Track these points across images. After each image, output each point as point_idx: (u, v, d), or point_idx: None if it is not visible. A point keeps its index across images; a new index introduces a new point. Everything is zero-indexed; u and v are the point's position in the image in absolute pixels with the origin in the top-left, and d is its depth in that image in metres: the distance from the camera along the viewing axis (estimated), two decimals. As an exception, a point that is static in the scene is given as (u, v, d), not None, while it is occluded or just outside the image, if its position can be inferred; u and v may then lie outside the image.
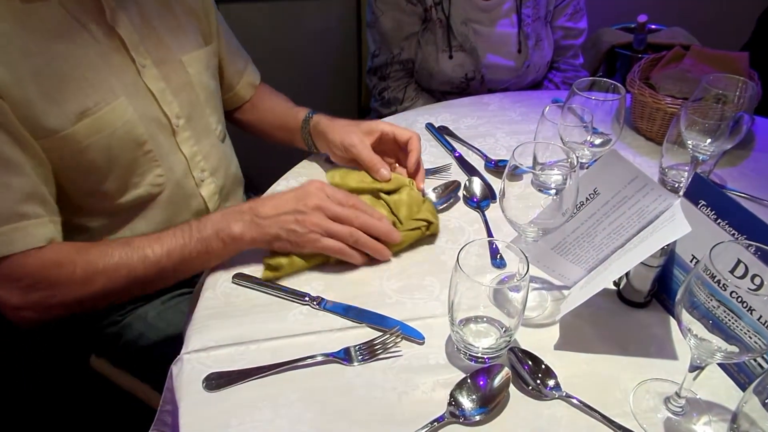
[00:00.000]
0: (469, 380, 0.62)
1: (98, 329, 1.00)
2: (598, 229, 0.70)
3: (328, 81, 1.81)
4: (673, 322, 0.72)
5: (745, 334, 0.53)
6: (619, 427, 0.59)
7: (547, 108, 0.84)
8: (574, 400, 0.62)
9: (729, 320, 0.53)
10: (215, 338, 0.70)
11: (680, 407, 0.60)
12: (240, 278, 0.77)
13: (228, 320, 0.72)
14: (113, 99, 0.80)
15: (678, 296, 0.54)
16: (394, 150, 0.95)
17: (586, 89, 0.81)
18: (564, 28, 1.39)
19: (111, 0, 0.80)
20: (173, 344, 0.95)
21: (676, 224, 0.62)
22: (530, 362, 0.64)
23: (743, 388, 0.63)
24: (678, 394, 0.60)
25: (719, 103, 0.82)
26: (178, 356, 0.69)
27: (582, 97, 0.80)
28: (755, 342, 0.52)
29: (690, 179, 0.85)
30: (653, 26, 1.54)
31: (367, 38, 1.41)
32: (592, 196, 0.68)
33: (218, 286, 0.77)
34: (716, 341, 0.53)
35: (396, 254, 0.82)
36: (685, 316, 0.54)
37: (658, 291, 0.73)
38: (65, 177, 0.80)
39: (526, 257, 0.61)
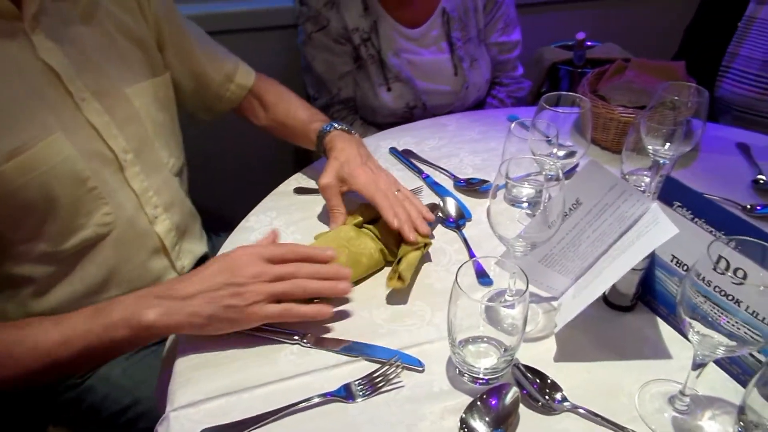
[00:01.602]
0: (479, 402, 0.61)
1: (55, 395, 0.92)
2: (582, 238, 0.72)
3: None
4: (661, 322, 0.73)
5: (738, 329, 0.54)
6: (631, 432, 0.59)
7: (513, 125, 0.86)
8: (582, 411, 0.62)
9: (721, 318, 0.54)
10: (203, 390, 0.66)
11: (686, 406, 0.61)
12: (222, 323, 0.73)
13: (214, 369, 0.68)
14: (47, 135, 0.76)
15: (678, 298, 0.56)
16: None
17: (552, 104, 0.83)
18: (498, 44, 1.42)
19: (40, 32, 0.77)
20: (144, 404, 0.89)
21: (661, 227, 0.64)
22: (538, 379, 0.63)
23: (738, 380, 0.65)
24: (682, 393, 0.61)
25: (673, 110, 0.86)
26: (164, 415, 0.64)
27: (550, 111, 0.82)
28: (748, 335, 0.54)
29: (660, 182, 0.89)
30: (589, 43, 1.63)
31: (306, 83, 1.40)
32: (575, 206, 0.70)
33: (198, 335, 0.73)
34: (717, 337, 0.55)
35: (382, 282, 0.80)
36: (686, 317, 0.55)
37: (643, 293, 0.75)
38: (2, 221, 0.74)
39: (525, 275, 0.61)
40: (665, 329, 0.72)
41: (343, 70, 1.33)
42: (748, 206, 0.93)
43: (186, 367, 0.68)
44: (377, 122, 1.38)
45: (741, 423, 0.55)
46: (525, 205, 0.74)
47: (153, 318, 0.66)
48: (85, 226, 0.82)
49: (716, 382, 0.65)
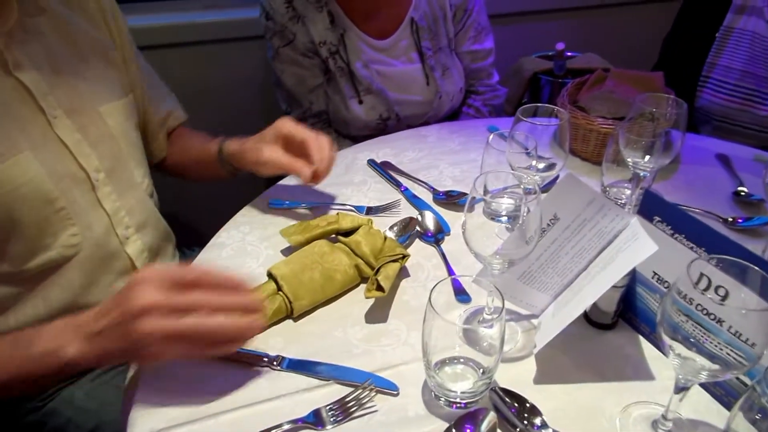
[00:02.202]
0: (453, 430, 0.58)
1: (15, 419, 0.88)
2: (560, 254, 0.70)
3: (257, 126, 1.76)
4: (643, 340, 0.71)
5: (721, 350, 0.52)
6: (612, 458, 0.57)
7: (491, 136, 0.84)
8: (562, 436, 0.59)
9: (703, 338, 0.53)
10: (165, 418, 0.62)
11: (668, 430, 0.59)
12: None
13: (178, 395, 0.65)
14: (15, 153, 0.73)
15: (658, 318, 0.54)
16: (301, 148, 0.90)
17: (530, 116, 0.82)
18: (470, 52, 1.40)
19: (14, 48, 0.75)
20: (109, 428, 0.85)
21: (641, 244, 0.62)
22: (516, 403, 0.61)
23: (721, 402, 0.63)
24: (665, 417, 0.59)
25: (652, 121, 0.85)
26: (123, 446, 0.60)
27: (527, 123, 0.80)
28: (731, 357, 0.52)
29: (639, 195, 0.87)
30: (569, 53, 1.63)
31: (278, 97, 1.37)
32: (552, 221, 0.68)
33: (163, 357, 0.69)
34: (699, 359, 0.53)
35: (357, 299, 0.77)
36: (666, 337, 0.53)
37: (624, 310, 0.73)
38: None
39: (501, 294, 0.59)
40: (647, 348, 0.70)
41: (314, 83, 1.30)
42: (730, 219, 0.92)
43: (148, 392, 0.65)
44: (351, 135, 1.36)
45: (725, 448, 0.53)
46: (504, 218, 0.72)
47: (72, 354, 0.61)
48: (50, 247, 0.79)
49: (700, 404, 0.63)
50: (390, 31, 1.29)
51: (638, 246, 0.62)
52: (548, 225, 0.68)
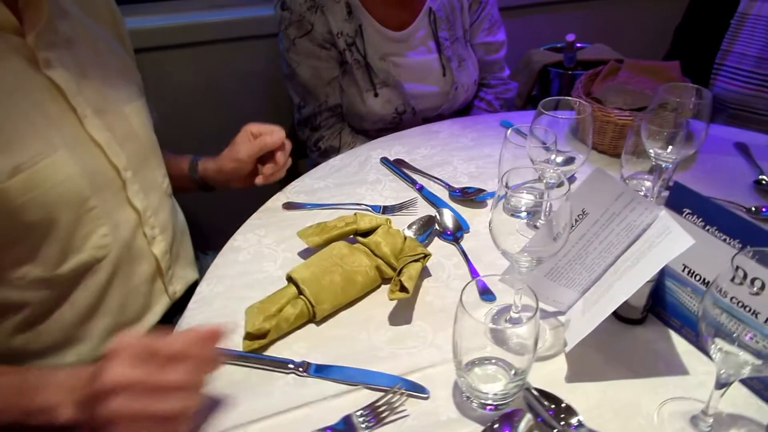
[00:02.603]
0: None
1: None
2: (589, 249, 0.68)
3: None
4: (674, 335, 0.70)
5: (757, 343, 0.51)
6: (652, 457, 0.56)
7: (509, 131, 0.83)
8: (600, 436, 0.58)
9: (743, 332, 0.51)
10: (191, 429, 0.61)
11: (709, 426, 0.58)
12: (212, 354, 0.68)
13: (203, 406, 0.63)
14: (51, 152, 0.73)
15: (699, 313, 0.52)
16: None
17: (550, 109, 0.80)
18: (484, 44, 1.39)
19: (44, 48, 0.75)
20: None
21: (675, 237, 0.60)
22: (553, 404, 0.59)
23: (760, 395, 0.62)
24: (705, 413, 0.58)
25: (674, 112, 0.83)
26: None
27: (547, 116, 0.79)
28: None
29: (661, 187, 0.86)
30: (579, 45, 1.60)
31: (290, 91, 1.35)
32: (581, 216, 0.66)
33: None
34: (742, 354, 0.51)
35: (380, 301, 0.76)
36: (707, 333, 0.52)
37: (653, 305, 0.72)
38: None
39: (535, 294, 0.57)
40: (679, 342, 0.69)
41: (330, 75, 1.29)
42: (753, 208, 0.91)
43: (173, 403, 0.64)
44: (365, 129, 1.34)
45: (770, 445, 0.52)
46: (524, 214, 0.70)
47: (66, 416, 0.58)
48: (81, 249, 0.78)
49: (737, 398, 0.62)
50: (408, 22, 1.28)
51: (672, 240, 0.60)
52: (576, 220, 0.67)
